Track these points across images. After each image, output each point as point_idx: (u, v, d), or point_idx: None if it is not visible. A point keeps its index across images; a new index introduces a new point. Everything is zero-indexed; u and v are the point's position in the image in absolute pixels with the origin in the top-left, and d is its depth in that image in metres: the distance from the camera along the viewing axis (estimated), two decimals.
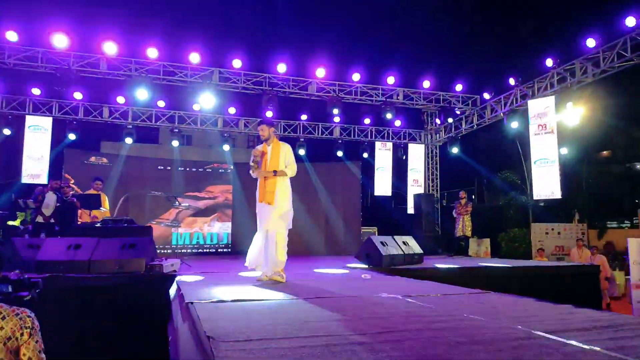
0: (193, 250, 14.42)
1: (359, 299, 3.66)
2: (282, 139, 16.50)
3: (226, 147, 14.75)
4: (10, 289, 2.72)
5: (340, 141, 15.16)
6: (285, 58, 12.42)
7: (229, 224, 15.16)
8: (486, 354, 1.92)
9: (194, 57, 11.67)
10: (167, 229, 14.26)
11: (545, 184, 11.27)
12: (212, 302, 3.35)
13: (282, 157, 5.21)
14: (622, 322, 2.73)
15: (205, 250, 14.68)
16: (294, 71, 12.69)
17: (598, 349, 2.01)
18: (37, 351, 2.08)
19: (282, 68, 12.25)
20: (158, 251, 10.13)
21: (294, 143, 15.33)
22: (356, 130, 15.39)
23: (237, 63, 12.10)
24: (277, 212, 5.09)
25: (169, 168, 14.74)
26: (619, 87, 17.33)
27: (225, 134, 14.58)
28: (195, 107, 13.43)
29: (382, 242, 7.34)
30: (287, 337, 2.23)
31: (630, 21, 8.59)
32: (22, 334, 2.04)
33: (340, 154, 15.18)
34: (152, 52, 11.35)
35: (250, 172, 5.26)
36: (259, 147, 5.32)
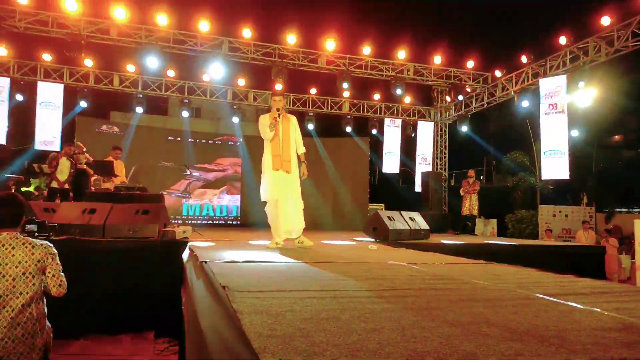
0: (203, 222, 14.66)
1: (365, 265, 3.77)
2: (291, 112, 16.60)
3: (235, 120, 14.82)
4: (35, 229, 4.06)
5: (349, 116, 15.15)
6: (295, 29, 12.35)
7: (238, 197, 15.35)
8: (486, 309, 2.02)
9: (204, 26, 11.63)
10: (177, 199, 14.48)
11: (554, 164, 11.27)
12: (225, 261, 3.48)
13: (292, 130, 5.35)
14: (620, 290, 2.82)
15: (215, 222, 14.92)
16: (303, 43, 12.63)
17: (594, 309, 2.11)
18: (59, 270, 2.96)
19: (292, 39, 12.18)
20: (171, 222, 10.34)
21: (302, 117, 15.36)
22: (365, 106, 15.36)
23: (246, 33, 12.05)
24: (297, 179, 5.32)
25: (179, 139, 14.87)
26: (633, 68, 17.06)
27: (235, 106, 14.63)
28: (205, 77, 13.45)
29: (389, 217, 7.44)
30: (298, 289, 2.35)
31: None
32: (47, 258, 2.88)
33: (349, 129, 15.20)
34: (162, 19, 11.33)
35: (268, 133, 5.22)
36: (272, 115, 5.30)
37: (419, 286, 2.65)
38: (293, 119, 5.44)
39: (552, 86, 11.16)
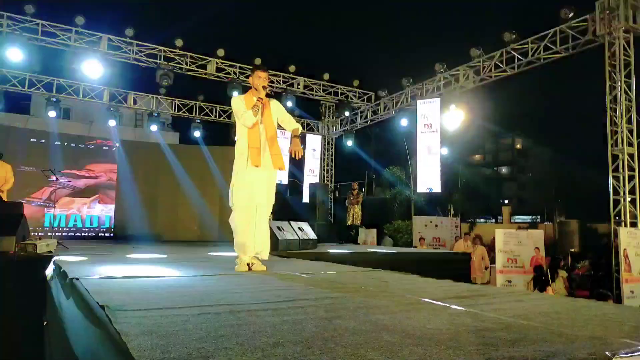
0: (70, 234, 13.17)
1: (257, 276, 3.66)
2: (176, 118, 15.81)
3: (112, 123, 13.66)
4: None
5: None
6: (184, 33, 11.86)
7: (112, 207, 14.10)
8: (383, 316, 2.06)
9: (80, 20, 10.59)
10: (39, 209, 12.83)
11: (428, 178, 12.28)
12: (101, 277, 3.11)
13: (274, 116, 4.22)
14: (493, 292, 3.10)
15: (84, 234, 13.49)
16: (192, 48, 12.16)
17: (476, 311, 2.27)
18: None
19: (179, 42, 11.66)
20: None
21: (188, 124, 14.74)
22: None
23: (129, 32, 11.23)
24: (274, 183, 4.23)
25: (43, 141, 13.25)
26: (493, 96, 19.46)
27: (112, 108, 13.50)
28: (79, 75, 12.22)
29: (278, 227, 7.41)
30: (190, 305, 2.17)
31: (506, 36, 9.66)
32: None
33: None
34: (29, 8, 10.06)
35: (250, 116, 3.96)
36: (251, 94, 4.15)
37: (315, 296, 2.62)
38: (276, 104, 4.29)
39: (427, 107, 12.21)
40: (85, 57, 10.88)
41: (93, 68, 10.94)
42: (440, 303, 2.46)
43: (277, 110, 4.26)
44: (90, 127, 18.90)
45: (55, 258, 4.85)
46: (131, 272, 3.59)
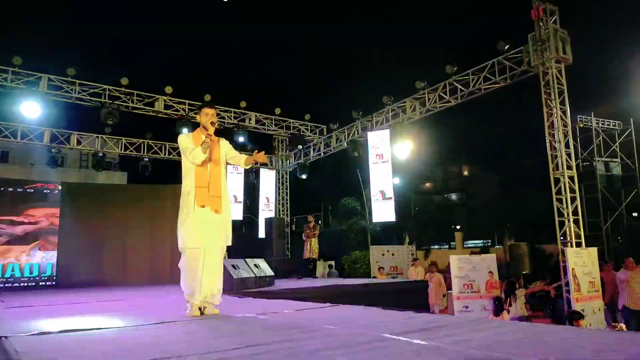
0: (7, 284, 12.15)
1: (210, 321, 3.44)
2: (124, 157, 15.27)
3: (53, 166, 12.99)
4: None
5: None
6: (129, 71, 11.62)
7: (54, 253, 13.20)
8: (345, 357, 1.95)
9: (17, 60, 10.15)
10: None
11: (383, 208, 12.39)
12: (33, 334, 2.81)
13: (223, 156, 4.09)
14: (453, 322, 3.05)
15: (23, 284, 12.48)
16: (139, 85, 11.89)
17: (439, 344, 2.20)
18: None
19: (125, 81, 11.37)
20: None
21: (136, 162, 14.25)
22: None
23: (70, 71, 10.84)
24: (227, 224, 4.00)
25: None
26: (439, 126, 20.21)
27: (53, 150, 12.86)
28: (18, 116, 11.61)
29: (233, 265, 7.15)
30: None
31: (448, 69, 10.10)
32: None
33: None
34: None
35: (199, 152, 3.83)
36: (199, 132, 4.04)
37: (272, 339, 2.47)
38: (224, 142, 4.17)
39: (377, 139, 12.45)
40: (23, 98, 10.38)
41: (32, 109, 10.44)
42: (402, 338, 2.37)
43: (227, 148, 4.16)
44: (31, 171, 17.93)
45: None
46: (70, 324, 3.28)
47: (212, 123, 3.98)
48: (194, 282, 3.75)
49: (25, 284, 12.59)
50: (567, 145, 8.36)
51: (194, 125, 12.95)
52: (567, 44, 8.51)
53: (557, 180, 8.32)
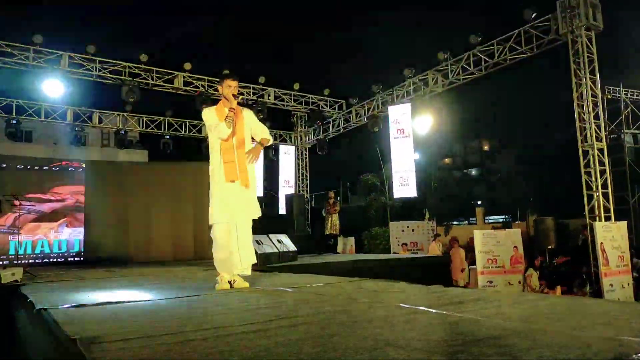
0: (37, 260, 12.52)
1: (241, 294, 3.47)
2: (145, 135, 15.41)
3: (77, 144, 13.18)
4: None
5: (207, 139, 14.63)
6: (149, 48, 11.60)
7: (81, 230, 13.51)
8: (383, 329, 1.93)
9: (38, 38, 10.19)
10: (3, 236, 12.16)
11: (403, 184, 12.29)
12: (70, 306, 2.87)
13: (247, 129, 3.96)
14: (486, 296, 3.01)
15: (52, 260, 12.85)
16: (158, 62, 11.87)
17: (476, 317, 2.16)
18: None
19: (144, 58, 11.36)
20: None
21: (157, 140, 14.36)
22: None
23: (91, 48, 10.86)
24: (254, 196, 4.01)
25: (4, 166, 12.63)
26: (459, 100, 19.79)
27: (77, 128, 13.03)
28: (40, 95, 11.77)
29: (257, 241, 7.19)
30: (171, 332, 1.98)
31: (472, 39, 9.80)
32: None
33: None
34: None
35: (224, 127, 3.72)
36: (222, 105, 3.94)
37: (306, 312, 2.47)
38: (248, 114, 4.03)
39: (398, 113, 12.25)
40: (45, 76, 10.47)
41: (54, 87, 10.53)
42: (438, 311, 2.34)
43: (251, 120, 4.02)
44: (55, 149, 18.23)
45: (22, 287, 4.54)
46: (104, 297, 3.34)
47: (235, 96, 3.87)
48: (225, 255, 3.75)
49: (55, 260, 12.95)
50: (596, 117, 8.10)
51: (214, 102, 12.91)
52: (598, 10, 8.16)
53: (585, 153, 8.10)
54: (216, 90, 12.83)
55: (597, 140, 7.98)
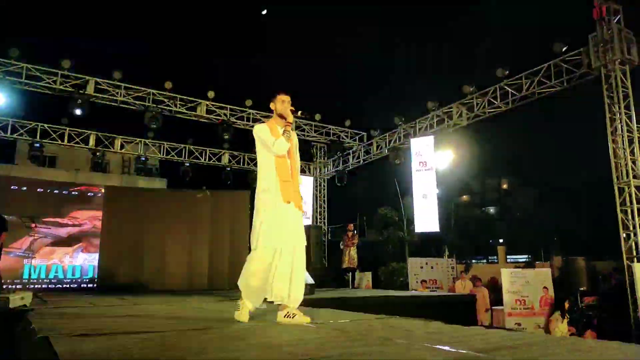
0: (50, 286, 12.36)
1: (259, 327, 3.18)
2: (164, 164, 15.43)
3: (97, 169, 13.22)
4: None
5: (228, 169, 14.55)
6: (172, 75, 11.74)
7: (96, 255, 13.37)
8: None
9: (66, 63, 10.38)
10: (17, 260, 12.07)
11: (426, 218, 11.93)
12: (74, 335, 2.62)
13: (296, 147, 3.75)
14: (538, 340, 2.67)
15: (65, 286, 12.68)
16: (181, 90, 11.97)
17: None
18: None
19: (168, 85, 11.46)
20: (5, 287, 8.43)
21: (176, 168, 14.35)
22: (246, 158, 14.95)
23: (117, 74, 11.02)
24: (302, 221, 3.64)
25: (25, 189, 12.68)
26: (480, 135, 19.52)
27: (98, 154, 13.10)
28: (63, 120, 11.92)
29: None
30: None
31: (499, 72, 9.63)
32: None
33: (228, 182, 14.58)
34: (14, 51, 9.85)
35: (284, 142, 3.48)
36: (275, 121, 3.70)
37: (337, 351, 2.17)
38: (295, 134, 3.81)
39: (421, 145, 12.03)
40: (71, 101, 10.59)
41: (78, 112, 10.64)
42: (485, 355, 2.03)
43: (297, 141, 3.81)
44: (77, 175, 18.42)
45: (30, 313, 4.31)
46: (110, 326, 3.09)
47: (292, 111, 3.61)
48: (257, 284, 3.41)
49: (68, 286, 12.77)
50: (632, 153, 7.75)
51: (235, 130, 12.93)
52: (633, 44, 7.94)
53: (621, 191, 7.71)
54: (238, 119, 12.85)
55: (634, 177, 7.60)
